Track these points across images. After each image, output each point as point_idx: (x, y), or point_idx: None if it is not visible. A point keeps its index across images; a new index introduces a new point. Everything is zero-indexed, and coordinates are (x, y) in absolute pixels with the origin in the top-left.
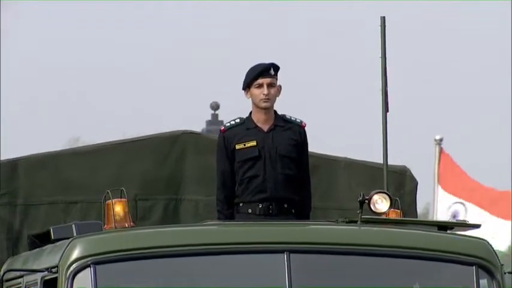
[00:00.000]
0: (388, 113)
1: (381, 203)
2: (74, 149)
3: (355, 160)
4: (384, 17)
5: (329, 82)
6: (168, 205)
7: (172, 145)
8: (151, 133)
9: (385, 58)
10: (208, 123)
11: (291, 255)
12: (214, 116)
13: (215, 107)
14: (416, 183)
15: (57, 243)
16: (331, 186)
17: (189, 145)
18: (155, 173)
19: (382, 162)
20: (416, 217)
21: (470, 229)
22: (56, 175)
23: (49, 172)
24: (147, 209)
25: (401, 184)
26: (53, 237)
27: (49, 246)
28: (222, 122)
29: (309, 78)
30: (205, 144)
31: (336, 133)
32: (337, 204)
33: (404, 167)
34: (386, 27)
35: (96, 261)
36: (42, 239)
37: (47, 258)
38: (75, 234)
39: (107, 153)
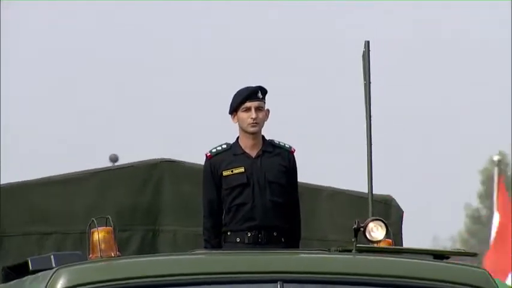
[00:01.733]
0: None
1: (376, 231)
2: (48, 178)
3: (339, 189)
4: (368, 42)
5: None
6: (145, 236)
7: (150, 174)
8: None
9: (370, 84)
10: None
11: (285, 285)
12: None
13: (114, 159)
14: (402, 213)
15: (38, 274)
16: (313, 216)
17: (167, 173)
18: (132, 203)
19: (366, 191)
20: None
21: (466, 258)
22: (30, 205)
23: (22, 202)
24: (123, 240)
25: (386, 214)
26: (31, 268)
27: (29, 277)
28: None
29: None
30: (184, 172)
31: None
32: (319, 234)
33: (389, 196)
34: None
35: None
36: (18, 271)
37: None
38: (53, 265)
39: (82, 182)
